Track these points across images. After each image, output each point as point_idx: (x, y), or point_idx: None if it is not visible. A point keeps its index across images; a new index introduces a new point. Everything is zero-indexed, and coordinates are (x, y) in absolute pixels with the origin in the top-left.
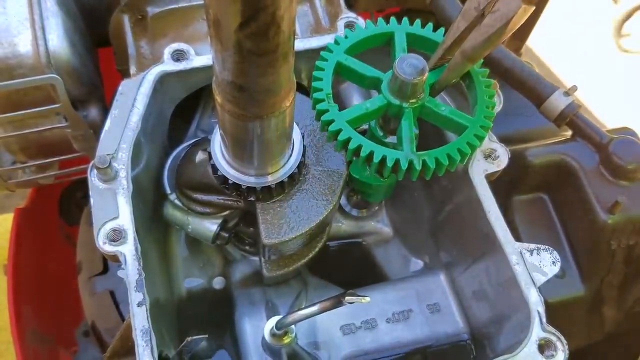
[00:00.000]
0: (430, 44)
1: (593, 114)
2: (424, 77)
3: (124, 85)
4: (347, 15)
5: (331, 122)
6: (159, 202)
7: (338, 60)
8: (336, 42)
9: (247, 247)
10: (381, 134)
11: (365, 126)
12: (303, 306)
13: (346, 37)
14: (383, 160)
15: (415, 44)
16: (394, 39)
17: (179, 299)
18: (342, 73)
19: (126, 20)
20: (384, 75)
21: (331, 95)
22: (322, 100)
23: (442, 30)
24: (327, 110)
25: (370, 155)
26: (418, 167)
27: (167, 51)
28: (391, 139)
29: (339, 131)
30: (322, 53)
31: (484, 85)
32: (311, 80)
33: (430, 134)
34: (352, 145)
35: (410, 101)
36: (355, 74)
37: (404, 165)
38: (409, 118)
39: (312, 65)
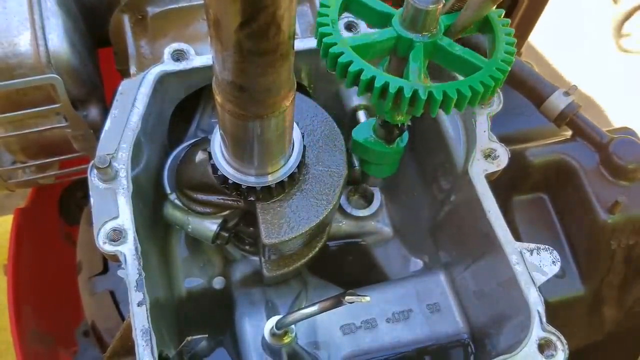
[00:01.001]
0: None
1: (593, 114)
2: (439, 7)
3: (124, 85)
4: (347, 15)
5: (333, 44)
6: (159, 202)
7: None
8: None
9: (247, 247)
10: None
11: None
12: (303, 306)
13: None
14: (385, 87)
15: None
16: None
17: (179, 299)
18: (350, 6)
19: (126, 20)
20: (396, 11)
21: (337, 22)
22: (327, 25)
23: None
24: (330, 34)
25: (371, 80)
26: (423, 96)
27: (167, 51)
28: None
29: (340, 54)
30: None
31: (504, 33)
32: (312, 77)
33: (430, 135)
34: (353, 68)
35: (423, 34)
36: (364, 8)
37: (407, 93)
38: (419, 52)
39: (312, 65)
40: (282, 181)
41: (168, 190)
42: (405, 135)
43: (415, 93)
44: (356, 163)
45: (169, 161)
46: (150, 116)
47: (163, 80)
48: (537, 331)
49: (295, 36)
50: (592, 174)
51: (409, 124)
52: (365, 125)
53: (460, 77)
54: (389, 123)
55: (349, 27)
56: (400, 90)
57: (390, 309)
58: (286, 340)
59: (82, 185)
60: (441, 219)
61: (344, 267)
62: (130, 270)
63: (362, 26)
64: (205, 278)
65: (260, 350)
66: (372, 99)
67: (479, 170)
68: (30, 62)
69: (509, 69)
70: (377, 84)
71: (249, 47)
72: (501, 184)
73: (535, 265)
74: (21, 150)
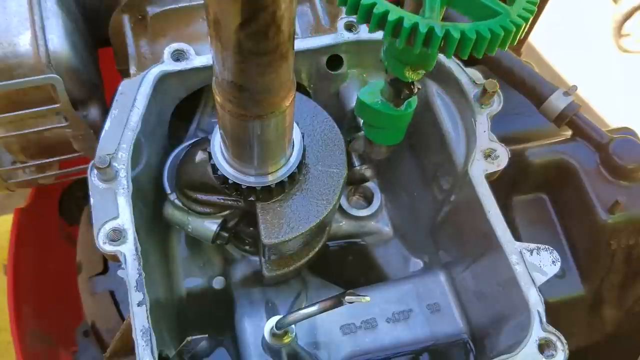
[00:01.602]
0: None
1: (593, 114)
2: None
3: (124, 85)
4: (347, 16)
5: None
6: (159, 202)
7: None
8: None
9: (247, 247)
10: None
11: None
12: (303, 306)
13: None
14: (399, 22)
15: None
16: None
17: (179, 299)
18: None
19: (126, 20)
20: None
21: None
22: None
23: None
24: None
25: (384, 14)
26: (440, 34)
27: (167, 51)
28: None
29: None
30: None
31: None
32: (312, 77)
33: (430, 135)
34: (365, 1)
35: None
36: None
37: (422, 29)
38: None
39: (312, 65)
40: (282, 181)
41: (168, 190)
42: (414, 99)
43: (431, 30)
44: (356, 163)
45: (169, 161)
46: (151, 116)
47: (163, 80)
48: (537, 331)
49: (295, 36)
50: (592, 174)
51: (419, 87)
52: (372, 86)
53: None
54: (398, 81)
55: (349, 27)
56: (415, 26)
57: (390, 309)
58: (286, 340)
59: (82, 185)
60: (441, 219)
61: (344, 267)
62: (130, 270)
63: (362, 28)
64: (205, 278)
65: (260, 350)
66: (384, 36)
67: (479, 170)
68: (30, 62)
69: (531, 17)
70: (391, 17)
71: (249, 47)
72: (501, 184)
73: (535, 265)
74: (21, 150)
